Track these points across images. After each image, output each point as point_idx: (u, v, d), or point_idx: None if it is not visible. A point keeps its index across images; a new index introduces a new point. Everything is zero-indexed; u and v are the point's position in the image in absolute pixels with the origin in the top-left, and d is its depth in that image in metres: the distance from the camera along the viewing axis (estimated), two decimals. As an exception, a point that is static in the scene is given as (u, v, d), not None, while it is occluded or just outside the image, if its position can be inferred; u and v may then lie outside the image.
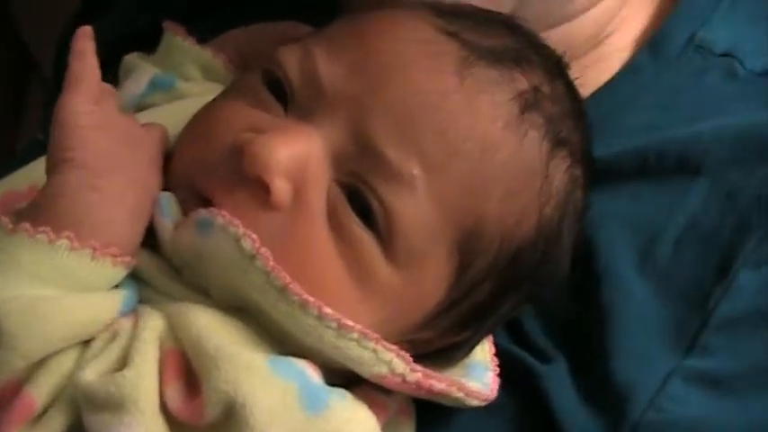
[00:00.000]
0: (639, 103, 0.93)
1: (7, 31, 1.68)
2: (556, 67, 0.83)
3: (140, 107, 0.88)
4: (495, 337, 0.84)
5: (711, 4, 0.97)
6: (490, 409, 0.81)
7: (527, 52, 0.80)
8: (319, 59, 0.76)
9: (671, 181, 0.88)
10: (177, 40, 0.90)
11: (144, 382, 0.70)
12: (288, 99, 0.76)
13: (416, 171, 0.73)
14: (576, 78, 0.85)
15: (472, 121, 0.75)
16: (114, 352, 0.71)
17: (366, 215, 0.73)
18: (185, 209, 0.75)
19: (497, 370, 0.82)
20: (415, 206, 0.73)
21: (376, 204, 0.73)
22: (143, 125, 0.79)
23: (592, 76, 0.93)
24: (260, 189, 0.72)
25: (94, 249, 0.71)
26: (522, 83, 0.78)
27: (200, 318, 0.72)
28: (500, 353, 0.84)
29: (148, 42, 0.94)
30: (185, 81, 0.89)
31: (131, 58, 0.92)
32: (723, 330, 0.84)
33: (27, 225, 0.70)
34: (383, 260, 0.74)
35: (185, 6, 1.06)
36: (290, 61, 0.76)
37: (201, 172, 0.75)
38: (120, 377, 0.69)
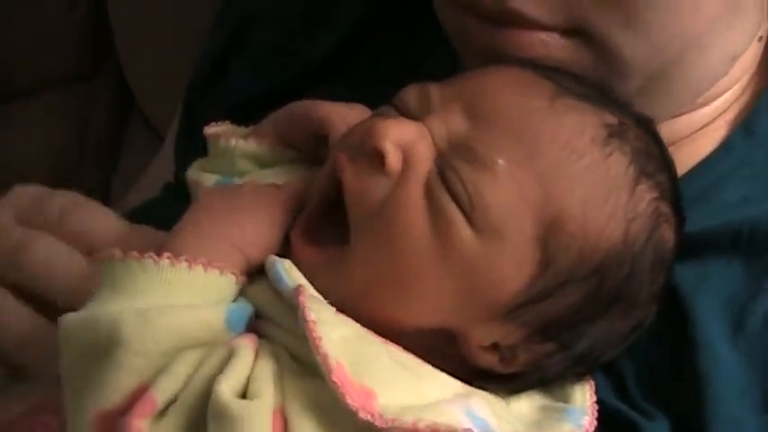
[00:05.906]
0: (734, 178, 0.94)
1: (111, 70, 1.71)
2: (644, 123, 0.86)
3: None
4: (599, 392, 0.86)
5: None
6: None
7: (616, 102, 0.86)
8: (432, 89, 0.86)
9: (762, 255, 0.90)
10: (221, 144, 0.96)
11: (267, 413, 0.77)
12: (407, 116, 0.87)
13: (501, 161, 0.82)
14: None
15: (558, 129, 0.83)
16: (241, 372, 0.78)
17: (453, 192, 0.82)
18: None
19: (596, 415, 0.84)
20: (495, 187, 0.81)
21: (460, 185, 0.81)
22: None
23: (686, 153, 0.95)
24: (377, 159, 0.83)
25: (189, 262, 0.81)
26: (611, 118, 0.84)
27: None
28: (604, 407, 0.85)
29: (284, 99, 0.98)
30: (242, 177, 0.95)
31: (192, 171, 0.99)
32: None
33: (134, 253, 0.81)
34: (465, 224, 0.81)
35: (318, 62, 1.12)
36: (410, 92, 0.87)
37: (339, 152, 0.86)
38: (247, 405, 0.76)
